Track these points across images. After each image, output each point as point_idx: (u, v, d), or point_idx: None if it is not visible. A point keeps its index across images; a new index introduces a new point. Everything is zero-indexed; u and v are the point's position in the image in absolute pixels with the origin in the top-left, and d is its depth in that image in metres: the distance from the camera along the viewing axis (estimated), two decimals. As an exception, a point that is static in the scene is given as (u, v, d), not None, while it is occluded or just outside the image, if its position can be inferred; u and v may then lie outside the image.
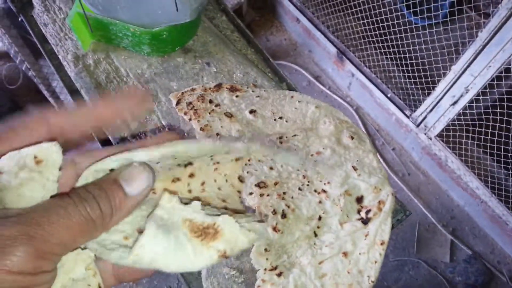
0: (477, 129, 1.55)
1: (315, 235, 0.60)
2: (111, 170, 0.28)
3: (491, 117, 1.47)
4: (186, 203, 0.29)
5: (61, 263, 0.27)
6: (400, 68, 1.80)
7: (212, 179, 0.30)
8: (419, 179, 1.94)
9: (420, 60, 1.73)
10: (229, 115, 0.68)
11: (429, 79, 1.67)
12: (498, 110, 1.45)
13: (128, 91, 0.71)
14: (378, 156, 0.73)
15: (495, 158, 1.64)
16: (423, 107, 1.69)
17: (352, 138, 0.68)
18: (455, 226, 1.86)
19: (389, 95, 1.84)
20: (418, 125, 1.77)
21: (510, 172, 1.58)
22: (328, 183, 0.63)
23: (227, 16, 1.01)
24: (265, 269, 0.56)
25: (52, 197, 0.27)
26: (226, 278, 0.61)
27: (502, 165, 1.61)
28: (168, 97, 0.78)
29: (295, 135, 0.69)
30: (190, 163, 0.29)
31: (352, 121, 0.74)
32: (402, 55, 1.73)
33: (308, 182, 0.64)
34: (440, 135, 1.72)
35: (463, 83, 1.49)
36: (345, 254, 0.59)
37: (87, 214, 0.25)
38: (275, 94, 0.76)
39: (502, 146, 1.51)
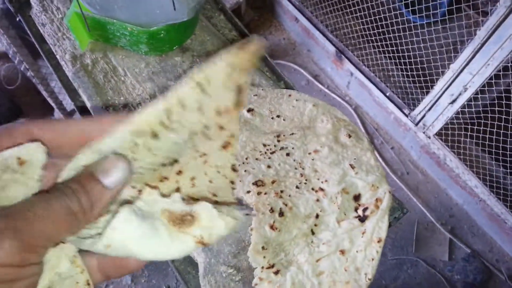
0: (475, 127, 1.55)
1: (313, 233, 0.60)
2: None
3: (489, 115, 1.47)
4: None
5: (47, 259, 0.27)
6: (399, 67, 1.80)
7: (202, 173, 0.30)
8: (417, 177, 1.95)
9: (418, 59, 1.73)
10: (227, 114, 0.68)
11: (428, 78, 1.66)
12: (496, 109, 1.45)
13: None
14: (376, 154, 0.73)
15: (493, 156, 1.64)
16: (422, 106, 1.69)
17: (350, 136, 0.68)
18: (454, 224, 1.86)
19: (387, 94, 1.84)
20: (416, 124, 1.77)
21: (508, 170, 1.58)
22: (326, 181, 0.63)
23: (225, 15, 1.01)
24: (263, 267, 0.56)
25: (34, 194, 0.27)
26: (223, 276, 0.62)
27: (501, 163, 1.61)
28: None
29: (292, 133, 0.69)
30: (176, 161, 0.29)
31: (350, 120, 0.74)
32: (400, 54, 1.73)
33: (306, 180, 0.64)
34: (438, 134, 1.72)
35: (461, 81, 1.49)
36: (342, 251, 0.59)
37: (68, 208, 0.25)
38: (272, 93, 0.76)
39: (501, 145, 1.51)
